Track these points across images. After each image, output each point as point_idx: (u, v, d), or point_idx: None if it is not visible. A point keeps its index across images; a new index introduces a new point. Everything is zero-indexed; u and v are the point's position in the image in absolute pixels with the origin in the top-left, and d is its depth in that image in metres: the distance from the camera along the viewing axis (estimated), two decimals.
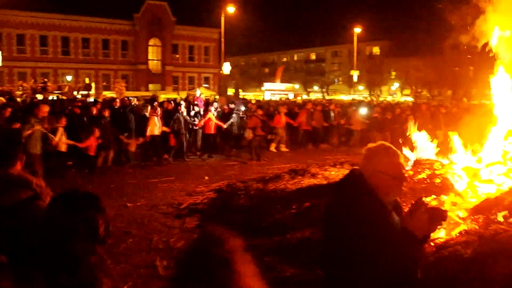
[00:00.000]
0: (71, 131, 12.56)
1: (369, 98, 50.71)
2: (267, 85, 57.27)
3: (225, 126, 17.14)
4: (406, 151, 8.66)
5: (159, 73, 58.86)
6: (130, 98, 25.19)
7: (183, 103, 17.74)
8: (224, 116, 17.90)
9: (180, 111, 15.99)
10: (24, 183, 2.43)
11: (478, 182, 7.20)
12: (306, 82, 78.36)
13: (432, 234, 2.71)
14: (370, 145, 2.70)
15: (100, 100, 23.60)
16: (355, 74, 57.59)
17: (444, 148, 8.93)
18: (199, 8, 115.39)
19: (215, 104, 19.20)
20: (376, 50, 76.21)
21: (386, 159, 2.59)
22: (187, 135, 16.22)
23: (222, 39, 42.45)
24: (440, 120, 17.77)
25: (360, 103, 29.76)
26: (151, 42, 58.62)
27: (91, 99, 26.77)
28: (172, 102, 19.56)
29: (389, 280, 2.37)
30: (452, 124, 8.79)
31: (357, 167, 2.71)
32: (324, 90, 75.54)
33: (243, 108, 19.04)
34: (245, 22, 66.00)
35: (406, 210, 2.69)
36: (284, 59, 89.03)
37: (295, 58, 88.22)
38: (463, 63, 51.39)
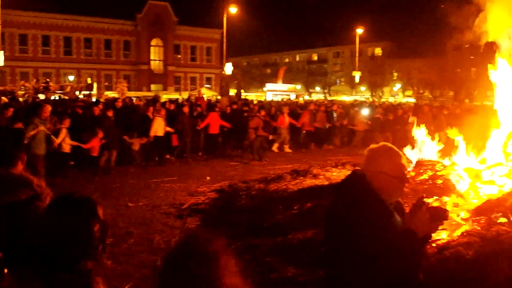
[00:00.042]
0: (74, 131, 12.55)
1: (371, 99, 50.65)
2: (269, 86, 57.25)
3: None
4: (408, 152, 8.66)
5: (161, 73, 58.90)
6: (132, 98, 25.26)
7: (186, 104, 17.76)
8: (226, 116, 17.86)
9: (185, 112, 16.03)
10: (25, 183, 2.44)
11: (480, 183, 7.20)
12: (308, 82, 78.32)
13: (434, 235, 2.71)
14: (372, 146, 2.70)
15: (102, 100, 23.62)
16: (357, 75, 57.61)
17: (446, 149, 8.92)
18: (201, 8, 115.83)
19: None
20: (378, 51, 76.20)
21: (388, 160, 2.59)
22: (191, 135, 16.19)
23: (224, 40, 42.54)
24: (442, 121, 17.75)
25: (362, 104, 29.75)
26: (153, 42, 58.67)
27: (93, 99, 26.79)
28: (174, 102, 19.59)
29: (391, 281, 2.37)
30: (455, 125, 8.76)
31: (359, 168, 2.71)
32: (326, 91, 75.53)
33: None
34: (247, 22, 66.13)
35: (407, 211, 2.70)
36: (286, 60, 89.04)
37: (297, 58, 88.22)
38: (465, 64, 51.40)
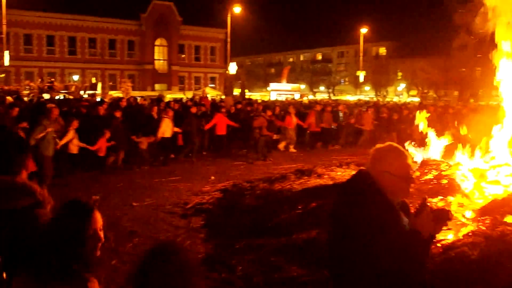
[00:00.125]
0: (78, 131, 12.56)
1: (375, 99, 50.58)
2: (273, 85, 57.25)
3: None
4: (413, 151, 8.64)
5: (165, 73, 58.97)
6: (136, 97, 25.29)
7: (191, 104, 17.77)
8: (231, 116, 17.84)
9: (193, 112, 16.04)
10: (28, 192, 2.46)
11: (485, 183, 7.18)
12: (312, 82, 78.30)
13: (438, 235, 2.70)
14: (378, 145, 2.69)
15: (106, 99, 23.66)
16: (361, 74, 57.47)
17: (452, 149, 8.90)
18: (206, 8, 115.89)
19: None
20: (382, 50, 76.08)
21: (393, 159, 2.58)
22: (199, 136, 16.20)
23: (228, 39, 42.51)
24: (448, 120, 17.70)
25: (367, 103, 29.69)
26: (158, 42, 58.74)
27: (98, 99, 26.85)
28: (178, 102, 19.60)
29: (396, 281, 2.36)
30: (461, 125, 8.76)
31: (364, 168, 2.70)
32: (330, 90, 75.45)
33: None
34: (252, 22, 66.10)
35: (412, 211, 2.69)
36: (290, 59, 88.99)
37: (301, 58, 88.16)
38: (470, 63, 51.23)
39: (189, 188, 11.37)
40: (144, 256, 1.95)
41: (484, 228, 5.58)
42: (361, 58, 58.80)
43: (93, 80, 45.50)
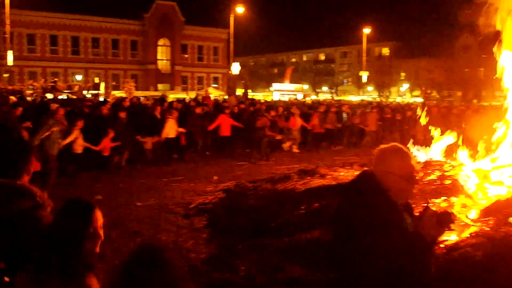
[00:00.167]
0: (81, 131, 12.59)
1: (378, 99, 50.51)
2: (276, 86, 57.30)
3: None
4: (416, 152, 8.64)
5: (168, 73, 59.06)
6: (139, 97, 25.31)
7: (194, 104, 17.76)
8: (234, 116, 17.81)
9: (197, 113, 16.04)
10: (29, 195, 2.48)
11: (489, 184, 7.16)
12: (315, 82, 78.30)
13: (442, 237, 2.70)
14: (382, 146, 2.69)
15: (109, 99, 23.69)
16: (364, 75, 57.43)
17: (455, 150, 8.88)
18: (209, 8, 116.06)
19: None
20: (385, 51, 76.02)
21: (397, 160, 2.58)
22: (203, 136, 16.20)
23: (231, 39, 42.51)
24: (451, 121, 17.68)
25: (370, 104, 29.65)
26: (160, 42, 58.83)
27: (101, 99, 26.88)
28: (181, 102, 19.61)
29: (400, 282, 2.36)
30: (465, 126, 8.76)
31: (368, 168, 2.70)
32: (333, 91, 75.43)
33: None
34: (254, 22, 66.25)
35: (415, 212, 2.69)
36: (293, 60, 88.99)
37: (304, 58, 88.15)
38: (474, 64, 51.15)
39: (192, 188, 11.38)
40: (127, 258, 1.96)
41: (487, 229, 5.56)
42: (364, 58, 58.76)
43: (96, 80, 45.65)
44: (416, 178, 2.68)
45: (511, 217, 5.76)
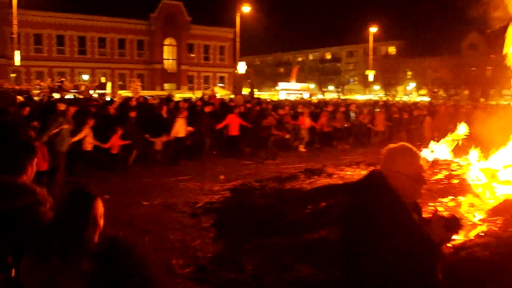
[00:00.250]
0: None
1: (384, 98, 50.38)
2: (282, 85, 57.26)
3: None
4: (423, 151, 8.61)
5: (175, 72, 59.15)
6: (146, 97, 25.33)
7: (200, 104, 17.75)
8: (241, 115, 17.76)
9: (206, 112, 16.06)
10: (28, 191, 2.51)
11: (497, 183, 7.13)
12: (321, 82, 78.22)
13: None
14: (390, 145, 2.68)
15: (116, 99, 23.75)
16: (370, 74, 57.28)
17: (463, 149, 8.86)
18: (215, 7, 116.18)
19: None
20: (392, 49, 75.84)
21: (405, 160, 2.57)
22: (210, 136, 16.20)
23: (237, 39, 42.49)
24: (460, 120, 17.60)
25: (376, 103, 29.58)
26: (167, 41, 58.94)
27: (107, 98, 26.96)
28: (187, 101, 19.60)
29: (408, 281, 2.35)
30: (473, 125, 8.73)
31: (375, 167, 2.70)
32: (339, 90, 75.30)
33: None
34: (261, 21, 66.15)
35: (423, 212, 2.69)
36: (299, 59, 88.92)
37: (310, 57, 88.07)
38: (481, 63, 50.93)
39: (199, 188, 11.40)
40: (101, 251, 2.11)
41: (495, 228, 5.55)
42: (370, 57, 58.62)
43: (103, 79, 45.70)
44: (424, 178, 2.67)
45: None
